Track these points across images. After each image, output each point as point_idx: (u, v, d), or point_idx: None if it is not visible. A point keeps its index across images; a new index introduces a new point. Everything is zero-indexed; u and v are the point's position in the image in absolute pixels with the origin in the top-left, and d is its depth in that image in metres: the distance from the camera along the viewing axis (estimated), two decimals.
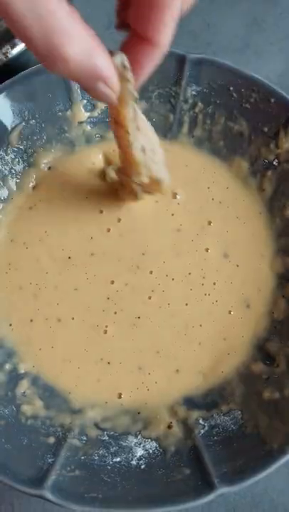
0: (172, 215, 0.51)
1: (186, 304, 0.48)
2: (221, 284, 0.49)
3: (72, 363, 0.46)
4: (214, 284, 0.49)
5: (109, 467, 0.39)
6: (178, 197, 0.52)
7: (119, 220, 0.51)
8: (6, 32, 0.49)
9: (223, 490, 0.36)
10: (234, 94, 0.50)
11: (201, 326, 0.48)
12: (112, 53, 0.32)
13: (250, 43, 0.64)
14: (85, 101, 0.52)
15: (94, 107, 0.53)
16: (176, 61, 0.50)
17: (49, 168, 0.53)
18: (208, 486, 0.36)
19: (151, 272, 0.49)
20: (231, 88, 0.50)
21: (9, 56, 0.52)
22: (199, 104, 0.52)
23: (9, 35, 0.49)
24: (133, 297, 0.48)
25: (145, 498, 0.37)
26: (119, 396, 0.45)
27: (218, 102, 0.51)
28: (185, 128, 0.53)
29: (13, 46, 0.50)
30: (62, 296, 0.48)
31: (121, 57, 0.33)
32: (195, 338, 0.47)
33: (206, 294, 0.49)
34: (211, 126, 0.53)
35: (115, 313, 0.48)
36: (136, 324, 0.47)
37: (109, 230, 0.51)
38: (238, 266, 0.50)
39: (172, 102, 0.52)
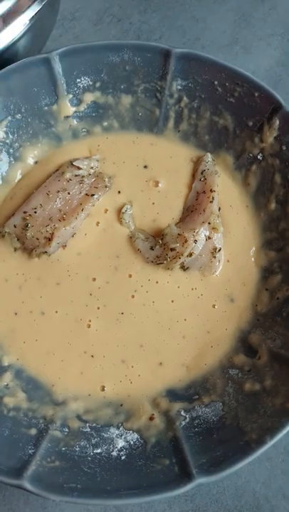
0: (153, 203, 0.52)
1: (172, 301, 0.48)
2: (207, 279, 0.49)
3: (55, 356, 0.46)
4: (201, 280, 0.49)
5: (89, 458, 0.40)
6: (160, 185, 0.52)
7: (106, 211, 0.52)
8: None
9: (201, 480, 0.36)
10: (219, 89, 0.51)
11: (185, 320, 0.48)
12: None
13: (238, 39, 0.65)
14: (70, 95, 0.52)
15: (80, 102, 0.53)
16: (162, 55, 0.50)
17: (35, 162, 0.53)
18: (186, 477, 0.37)
19: (130, 276, 0.49)
20: (216, 82, 0.50)
21: None
22: (185, 98, 0.52)
23: None
24: (115, 295, 0.48)
25: (124, 488, 0.37)
26: (102, 388, 0.45)
27: (203, 96, 0.52)
28: (171, 123, 0.53)
29: None
30: (45, 289, 0.48)
31: None
32: (179, 332, 0.47)
33: (192, 289, 0.49)
34: (196, 121, 0.53)
35: (98, 308, 0.48)
36: (119, 319, 0.48)
37: (98, 224, 0.51)
38: (228, 261, 0.50)
39: (158, 97, 0.53)
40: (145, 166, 0.52)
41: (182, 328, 0.48)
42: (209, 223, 0.48)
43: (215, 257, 0.48)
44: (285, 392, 0.40)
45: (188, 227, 0.48)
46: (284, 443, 0.47)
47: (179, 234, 0.47)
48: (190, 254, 0.47)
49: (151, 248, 0.48)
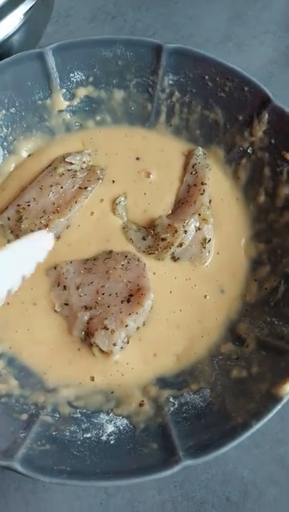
0: (144, 194, 0.52)
1: (170, 292, 0.49)
2: (200, 269, 0.50)
3: (46, 345, 0.47)
4: (193, 270, 0.50)
5: (79, 442, 0.40)
6: (151, 176, 0.53)
7: (101, 201, 0.52)
8: None
9: (188, 462, 0.37)
10: (209, 83, 0.52)
11: (180, 310, 0.49)
12: None
13: (231, 36, 0.66)
14: (64, 90, 0.53)
15: (73, 96, 0.54)
16: (154, 50, 0.51)
17: (29, 155, 0.54)
18: (173, 459, 0.37)
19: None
20: (206, 77, 0.51)
21: None
22: (176, 93, 0.53)
23: None
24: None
25: (112, 470, 0.38)
26: (92, 379, 0.45)
27: (194, 91, 0.53)
28: (163, 117, 0.54)
29: None
30: (36, 280, 0.49)
31: None
32: (175, 322, 0.48)
33: (186, 280, 0.50)
34: (187, 115, 0.54)
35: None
36: None
37: (92, 214, 0.52)
38: (218, 253, 0.51)
39: (150, 91, 0.54)
40: (137, 158, 0.53)
41: (178, 318, 0.48)
42: (199, 214, 0.49)
43: (205, 247, 0.49)
44: (270, 378, 0.41)
45: (179, 218, 0.49)
46: (272, 431, 0.48)
47: (169, 224, 0.48)
48: (180, 245, 0.48)
49: (143, 238, 0.49)
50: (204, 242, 0.49)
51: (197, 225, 0.49)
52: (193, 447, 0.38)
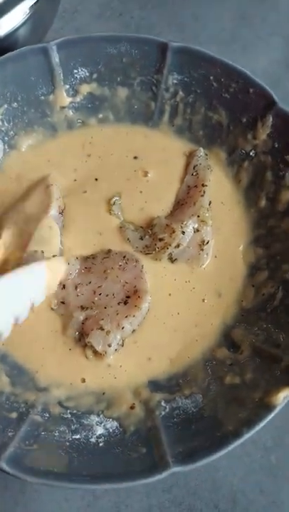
0: (140, 192, 0.52)
1: (170, 295, 0.48)
2: (198, 272, 0.49)
3: (38, 343, 0.46)
4: (192, 272, 0.49)
5: (67, 443, 0.40)
6: (148, 175, 0.52)
7: (98, 202, 0.51)
8: None
9: (176, 469, 0.36)
10: (214, 84, 0.51)
11: (178, 313, 0.48)
12: None
13: (237, 37, 0.65)
14: (67, 86, 0.52)
15: (76, 93, 0.53)
16: (159, 49, 0.51)
17: (30, 151, 0.54)
18: (162, 465, 0.37)
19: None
20: (211, 77, 0.51)
21: None
22: (180, 92, 0.52)
23: None
24: None
25: (100, 474, 0.37)
26: (83, 380, 0.45)
27: (198, 91, 0.52)
28: (166, 116, 0.54)
29: None
30: None
31: None
32: (172, 325, 0.47)
33: (186, 282, 0.49)
34: (191, 116, 0.53)
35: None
36: None
37: (88, 215, 0.51)
38: (216, 257, 0.50)
39: (154, 90, 0.53)
40: (135, 157, 0.53)
41: (175, 322, 0.47)
42: (198, 216, 0.48)
43: (203, 249, 0.48)
44: (264, 386, 0.40)
45: (177, 219, 0.48)
46: (263, 439, 0.47)
47: (167, 225, 0.48)
48: (178, 245, 0.47)
49: (141, 238, 0.49)
50: (202, 244, 0.48)
51: (196, 226, 0.48)
52: (182, 453, 0.38)
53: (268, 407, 0.38)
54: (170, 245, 0.47)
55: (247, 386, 0.41)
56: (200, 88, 0.52)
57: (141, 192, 0.51)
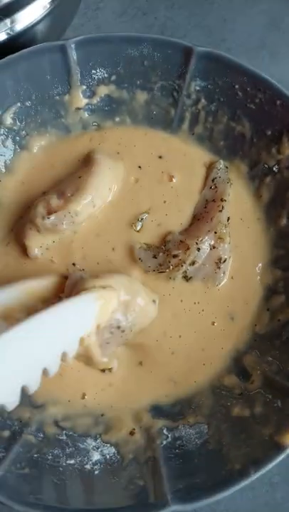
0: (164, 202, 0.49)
1: (175, 316, 0.45)
2: (211, 293, 0.46)
3: None
4: (205, 292, 0.46)
5: (61, 469, 0.38)
6: (174, 180, 0.49)
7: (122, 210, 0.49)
8: (7, 6, 0.47)
9: (175, 508, 0.34)
10: (239, 93, 0.48)
11: (180, 336, 0.45)
12: None
13: (266, 43, 0.62)
14: (84, 86, 0.50)
15: (93, 94, 0.51)
16: (183, 53, 0.48)
17: (42, 152, 0.51)
18: (160, 502, 0.34)
19: None
20: (237, 86, 0.48)
21: (12, 33, 0.50)
22: (202, 100, 0.50)
23: (10, 9, 0.47)
24: None
25: (92, 507, 0.35)
26: (83, 396, 0.42)
27: (222, 99, 0.49)
28: (186, 124, 0.51)
29: (13, 21, 0.48)
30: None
31: None
32: (176, 348, 0.45)
33: (195, 303, 0.46)
34: (212, 125, 0.50)
35: None
36: None
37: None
38: (232, 278, 0.47)
39: (175, 96, 0.50)
40: (160, 157, 0.50)
41: (180, 344, 0.45)
42: (216, 232, 0.46)
43: (220, 267, 0.45)
44: (275, 423, 0.37)
45: (193, 235, 0.45)
46: (269, 474, 0.44)
47: (181, 241, 0.45)
48: (193, 263, 0.45)
49: (154, 256, 0.46)
50: (219, 261, 0.46)
51: (212, 243, 0.45)
52: (182, 490, 0.35)
53: (279, 447, 0.35)
54: (185, 262, 0.44)
55: (256, 420, 0.38)
56: (224, 97, 0.49)
57: (164, 202, 0.48)
